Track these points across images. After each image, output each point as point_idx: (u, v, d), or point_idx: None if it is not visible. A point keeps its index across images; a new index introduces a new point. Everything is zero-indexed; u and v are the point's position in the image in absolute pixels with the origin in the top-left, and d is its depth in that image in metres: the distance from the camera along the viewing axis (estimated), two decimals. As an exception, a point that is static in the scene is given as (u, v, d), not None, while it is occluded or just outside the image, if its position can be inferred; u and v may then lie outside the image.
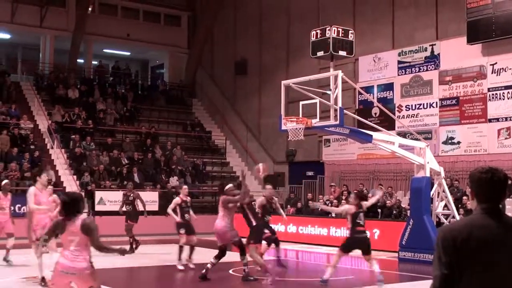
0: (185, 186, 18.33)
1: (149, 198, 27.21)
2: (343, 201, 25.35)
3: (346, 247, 13.38)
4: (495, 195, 4.15)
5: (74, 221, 7.61)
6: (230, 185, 14.43)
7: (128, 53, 42.04)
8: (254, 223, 14.29)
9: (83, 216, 7.84)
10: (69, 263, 7.55)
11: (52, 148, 30.20)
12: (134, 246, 19.60)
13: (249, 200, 14.50)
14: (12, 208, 18.41)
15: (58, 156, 29.53)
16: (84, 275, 7.58)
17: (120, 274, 15.63)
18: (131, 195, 20.11)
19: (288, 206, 27.80)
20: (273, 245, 16.30)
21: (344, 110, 17.30)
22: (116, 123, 33.79)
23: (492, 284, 3.98)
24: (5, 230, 15.63)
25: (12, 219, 16.15)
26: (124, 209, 20.05)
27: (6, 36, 37.84)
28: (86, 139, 30.63)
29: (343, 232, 21.42)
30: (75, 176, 28.31)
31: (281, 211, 17.93)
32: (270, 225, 16.28)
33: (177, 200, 16.95)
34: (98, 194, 26.62)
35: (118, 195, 26.35)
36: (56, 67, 36.82)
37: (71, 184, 27.85)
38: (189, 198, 17.20)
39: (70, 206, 7.76)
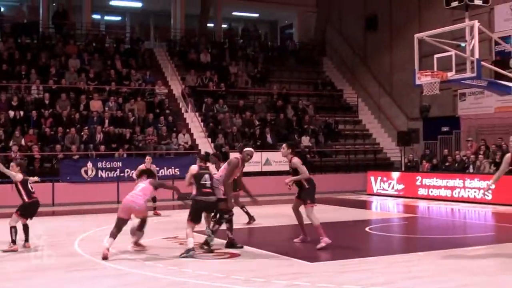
0: None
1: (283, 159, 27.42)
2: (480, 156, 24.61)
3: None
4: None
5: None
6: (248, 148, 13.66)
7: (256, 15, 42.13)
8: None
9: None
10: None
11: (186, 112, 30.87)
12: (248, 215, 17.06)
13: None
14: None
15: (193, 120, 30.15)
16: None
17: (259, 234, 15.82)
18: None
19: (424, 161, 27.32)
20: None
21: (481, 62, 16.62)
22: (248, 85, 34.07)
23: None
24: None
25: None
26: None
27: (138, 4, 38.86)
28: (218, 102, 31.08)
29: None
30: (209, 139, 28.85)
31: None
32: None
33: None
34: (232, 156, 26.92)
35: (253, 156, 26.74)
36: (187, 33, 37.44)
37: (206, 147, 28.40)
38: None
39: None
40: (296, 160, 12.97)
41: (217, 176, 12.90)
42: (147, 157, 20.03)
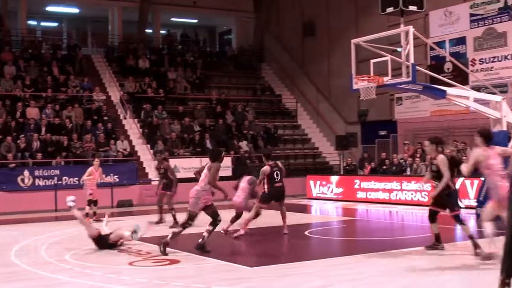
0: None
1: (223, 164, 27.54)
2: (416, 159, 25.04)
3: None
4: None
5: None
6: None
7: (195, 21, 42.06)
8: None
9: None
10: None
11: (125, 118, 30.62)
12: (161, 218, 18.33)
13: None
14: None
15: (131, 126, 29.92)
16: None
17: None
18: (162, 167, 18.86)
19: (366, 163, 27.65)
20: None
21: (416, 67, 16.91)
22: (187, 91, 33.98)
23: None
24: (93, 196, 19.97)
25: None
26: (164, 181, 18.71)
27: (75, 10, 38.37)
28: (157, 108, 30.91)
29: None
30: (148, 145, 28.66)
31: None
32: None
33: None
34: (172, 162, 26.82)
35: (191, 162, 26.68)
36: (125, 39, 37.15)
37: (145, 153, 28.23)
38: None
39: None
40: (262, 170, 15.48)
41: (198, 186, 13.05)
42: (96, 160, 21.09)
